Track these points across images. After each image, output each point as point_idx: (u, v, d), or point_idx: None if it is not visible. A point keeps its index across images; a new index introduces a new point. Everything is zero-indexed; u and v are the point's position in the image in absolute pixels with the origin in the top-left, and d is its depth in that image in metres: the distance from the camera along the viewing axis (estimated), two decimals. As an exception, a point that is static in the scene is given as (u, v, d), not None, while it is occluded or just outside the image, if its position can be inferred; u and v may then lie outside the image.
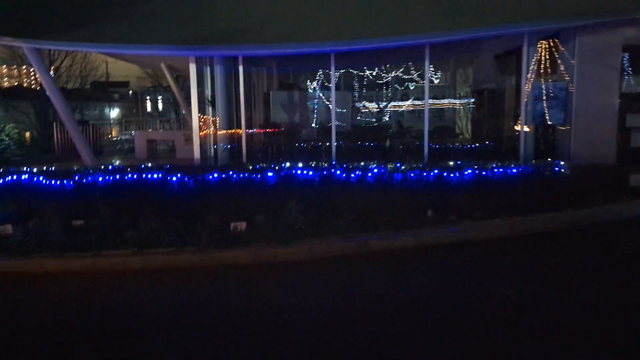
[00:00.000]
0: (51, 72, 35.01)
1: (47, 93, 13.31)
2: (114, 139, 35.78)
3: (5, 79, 46.54)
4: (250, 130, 15.52)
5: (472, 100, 21.31)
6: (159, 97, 41.98)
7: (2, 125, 34.49)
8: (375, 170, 10.13)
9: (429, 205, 9.52)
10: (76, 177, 10.06)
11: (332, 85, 13.40)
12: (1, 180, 10.38)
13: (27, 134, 34.29)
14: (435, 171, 10.14)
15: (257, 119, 17.71)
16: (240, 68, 13.26)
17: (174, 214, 9.21)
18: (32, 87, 37.24)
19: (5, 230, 9.33)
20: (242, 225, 9.03)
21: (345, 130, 18.83)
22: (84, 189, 9.97)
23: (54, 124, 23.66)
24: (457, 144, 16.02)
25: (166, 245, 8.59)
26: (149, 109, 46.13)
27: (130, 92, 51.05)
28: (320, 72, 19.85)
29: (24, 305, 6.87)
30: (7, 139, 33.71)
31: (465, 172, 10.16)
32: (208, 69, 14.87)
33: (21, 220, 9.50)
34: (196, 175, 10.00)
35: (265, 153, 14.41)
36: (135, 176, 10.09)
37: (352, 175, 10.00)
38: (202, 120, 14.62)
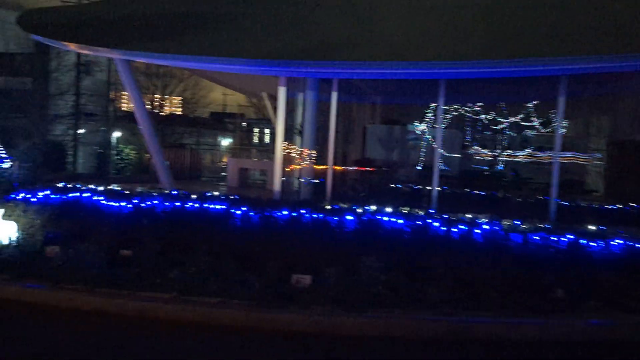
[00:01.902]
0: (165, 97, 36.77)
1: (134, 109, 12.75)
2: (222, 166, 36.29)
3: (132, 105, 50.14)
4: (339, 166, 13.84)
5: (607, 152, 17.98)
6: (265, 130, 42.40)
7: (123, 147, 36.70)
8: (487, 227, 7.83)
9: (559, 282, 7.00)
10: (135, 200, 8.94)
11: (439, 120, 11.34)
12: (61, 196, 9.59)
13: (148, 155, 35.96)
14: (569, 236, 7.61)
15: (348, 154, 16.01)
16: (334, 95, 11.74)
17: (228, 254, 7.64)
18: (154, 111, 39.40)
19: (53, 251, 8.38)
20: (306, 279, 7.20)
21: (449, 174, 16.47)
22: (142, 213, 8.82)
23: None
24: (591, 203, 13.03)
25: (212, 294, 6.99)
26: (255, 139, 46.86)
27: (243, 123, 52.66)
28: (425, 105, 17.77)
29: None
30: (126, 159, 35.67)
31: (613, 242, 7.51)
32: (299, 95, 13.56)
33: (70, 242, 8.52)
34: (263, 210, 8.41)
35: (353, 192, 12.60)
36: (196, 205, 8.75)
37: (455, 229, 7.80)
38: (288, 150, 13.24)
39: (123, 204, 8.99)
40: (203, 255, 7.62)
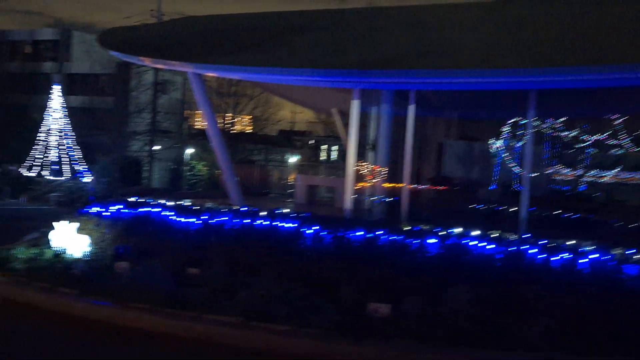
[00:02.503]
0: (237, 116, 37.49)
1: (205, 124, 12.66)
2: (290, 183, 36.35)
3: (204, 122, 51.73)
4: (415, 185, 13.05)
5: None
6: (334, 147, 42.19)
7: (195, 163, 37.75)
8: (593, 255, 6.79)
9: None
10: (204, 217, 8.64)
11: (528, 136, 10.32)
12: (132, 211, 9.49)
13: (218, 171, 36.77)
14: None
15: (424, 172, 15.14)
16: (411, 108, 11.05)
17: (299, 277, 7.10)
18: (225, 129, 40.41)
19: (122, 267, 8.21)
20: (385, 308, 6.49)
21: (536, 195, 15.16)
22: (210, 230, 8.50)
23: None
24: None
25: (280, 320, 6.44)
26: (323, 157, 46.78)
27: (311, 141, 53.03)
28: (503, 120, 16.53)
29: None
30: (197, 175, 36.60)
31: None
32: (372, 109, 12.95)
33: (138, 258, 8.34)
34: (336, 230, 7.81)
35: (430, 213, 11.75)
36: (266, 222, 8.30)
37: (555, 257, 6.81)
38: (360, 167, 12.63)
39: (192, 220, 8.72)
40: (272, 277, 7.13)
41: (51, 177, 25.29)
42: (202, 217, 8.69)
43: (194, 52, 11.08)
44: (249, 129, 50.91)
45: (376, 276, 6.86)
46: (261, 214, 8.81)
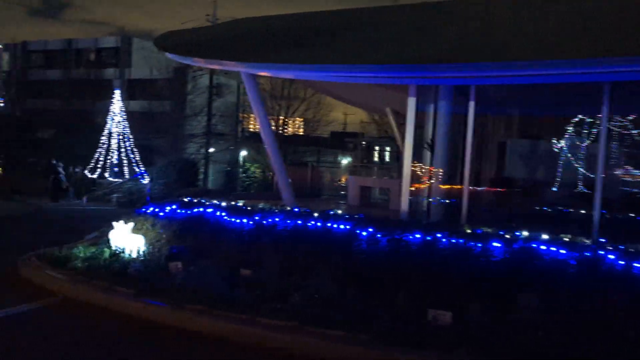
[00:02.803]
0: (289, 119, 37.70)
1: (258, 125, 12.61)
2: (342, 185, 36.15)
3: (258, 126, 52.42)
4: (475, 186, 12.43)
5: None
6: (387, 148, 41.64)
7: (249, 165, 38.26)
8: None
9: None
10: (256, 217, 8.51)
11: (602, 133, 9.55)
12: (186, 211, 9.50)
13: (271, 174, 37.15)
14: None
15: (485, 172, 14.44)
16: (471, 105, 10.49)
17: (354, 280, 6.81)
18: (278, 131, 40.80)
19: (176, 267, 8.21)
20: (446, 316, 6.08)
21: (607, 196, 14.14)
22: (263, 230, 8.35)
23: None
24: None
25: (335, 325, 6.16)
26: (376, 158, 46.31)
27: (363, 142, 52.77)
28: (576, 117, 15.53)
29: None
30: (251, 176, 37.06)
31: None
32: (429, 107, 12.45)
33: (192, 258, 8.31)
34: (392, 232, 7.46)
35: (491, 215, 11.14)
36: (319, 224, 8.06)
37: (637, 263, 6.17)
38: (416, 168, 12.17)
39: (244, 220, 8.61)
40: (326, 280, 6.88)
41: (112, 179, 26.22)
42: (254, 218, 8.56)
43: (247, 52, 11.02)
44: (301, 131, 51.20)
45: (436, 281, 6.47)
46: (314, 215, 8.57)
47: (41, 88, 43.46)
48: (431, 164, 12.40)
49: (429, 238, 7.24)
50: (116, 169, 26.48)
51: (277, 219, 8.29)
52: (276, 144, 12.50)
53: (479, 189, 12.70)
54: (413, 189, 11.60)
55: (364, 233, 7.57)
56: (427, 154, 13.14)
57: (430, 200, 11.84)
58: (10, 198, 22.88)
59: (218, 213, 9.07)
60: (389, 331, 5.84)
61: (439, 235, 7.29)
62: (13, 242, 11.84)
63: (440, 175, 11.65)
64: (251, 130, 47.09)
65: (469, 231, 7.49)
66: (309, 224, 8.06)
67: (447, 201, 11.74)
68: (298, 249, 7.66)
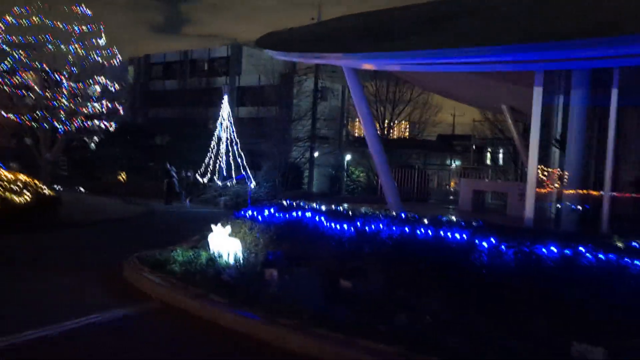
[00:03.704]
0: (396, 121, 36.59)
1: (362, 124, 11.79)
2: (450, 189, 34.40)
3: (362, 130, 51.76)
4: (617, 191, 10.49)
5: None
6: (500, 150, 38.88)
7: (353, 169, 37.78)
8: None
9: None
10: (358, 222, 7.66)
11: None
12: (284, 214, 8.92)
13: (376, 177, 36.36)
14: None
15: (620, 173, 12.25)
16: (614, 93, 8.79)
17: (474, 301, 5.68)
18: (383, 134, 39.83)
19: (271, 275, 7.63)
20: (595, 353, 4.75)
21: None
22: (365, 237, 7.48)
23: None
24: None
25: (451, 355, 5.09)
26: (488, 161, 43.53)
27: (474, 145, 50.18)
28: None
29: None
30: (355, 180, 36.52)
31: None
32: (557, 99, 10.78)
33: (288, 265, 7.68)
34: (520, 243, 6.20)
35: (636, 224, 9.28)
36: (429, 232, 6.99)
37: None
38: (543, 170, 10.57)
39: (345, 226, 7.80)
40: (439, 298, 5.83)
41: (220, 182, 26.97)
42: (356, 223, 7.71)
43: (347, 44, 10.24)
44: (406, 135, 49.70)
45: (580, 307, 5.15)
46: (423, 221, 7.52)
47: (160, 97, 46.64)
48: (560, 165, 10.73)
49: (567, 252, 5.88)
50: (224, 173, 27.23)
51: (381, 225, 7.37)
52: (380, 144, 11.56)
53: (620, 194, 10.74)
54: (538, 193, 10.04)
55: (484, 244, 6.39)
56: (555, 153, 11.45)
57: (559, 206, 10.19)
58: (129, 200, 24.33)
59: (317, 217, 8.36)
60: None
61: (580, 248, 5.91)
62: (125, 243, 12.17)
63: (573, 177, 9.95)
64: (356, 135, 46.61)
65: (619, 244, 6.01)
66: (418, 232, 7.03)
67: (581, 208, 10.02)
68: (405, 260, 6.68)
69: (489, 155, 43.02)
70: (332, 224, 7.97)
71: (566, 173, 9.87)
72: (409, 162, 36.20)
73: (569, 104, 10.23)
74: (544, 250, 5.97)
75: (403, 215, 7.83)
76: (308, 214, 8.58)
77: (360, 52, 9.22)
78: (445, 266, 6.40)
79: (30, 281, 8.30)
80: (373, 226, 7.42)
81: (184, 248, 9.72)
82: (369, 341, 5.51)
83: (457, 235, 6.71)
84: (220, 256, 8.62)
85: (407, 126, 49.43)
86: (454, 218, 7.49)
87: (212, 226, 8.97)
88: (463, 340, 5.20)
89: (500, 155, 40.08)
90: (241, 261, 8.20)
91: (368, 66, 10.30)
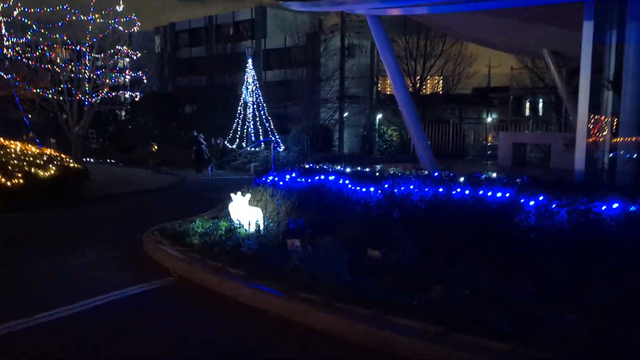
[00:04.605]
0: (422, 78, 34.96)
1: (389, 78, 10.86)
2: (488, 144, 33.01)
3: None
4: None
5: None
6: (540, 99, 36.85)
7: (385, 128, 36.63)
8: None
9: None
10: (386, 185, 6.92)
11: None
12: (306, 179, 8.25)
13: (409, 136, 35.19)
14: None
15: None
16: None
17: (520, 272, 4.93)
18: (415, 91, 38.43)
19: (293, 245, 7.03)
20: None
21: None
22: (394, 201, 6.74)
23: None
24: None
25: (497, 335, 4.40)
26: (527, 112, 41.54)
27: (511, 97, 48.02)
28: None
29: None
30: (388, 140, 35.45)
31: None
32: (612, 35, 9.56)
33: (311, 234, 7.06)
34: (573, 201, 5.35)
35: None
36: (466, 192, 6.20)
37: None
38: (594, 117, 9.50)
39: (372, 189, 7.08)
40: (480, 268, 5.10)
41: (248, 148, 26.50)
42: (383, 186, 6.97)
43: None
44: (439, 90, 47.81)
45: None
46: (459, 180, 6.72)
47: (187, 65, 46.16)
48: (614, 110, 9.62)
49: (633, 209, 5.01)
50: (252, 138, 26.72)
51: (411, 187, 6.61)
52: (409, 98, 10.66)
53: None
54: (588, 142, 9.02)
55: (532, 202, 5.56)
56: (607, 98, 10.30)
57: (613, 155, 9.15)
58: (159, 171, 24.20)
59: (341, 181, 7.66)
60: (584, 349, 3.92)
61: (647, 204, 5.02)
62: (150, 215, 11.87)
63: (628, 122, 8.86)
64: (387, 92, 45.12)
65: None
66: (453, 192, 6.25)
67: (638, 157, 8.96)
68: (439, 224, 5.94)
69: (527, 105, 40.97)
70: (358, 188, 7.26)
71: (622, 117, 8.78)
72: (443, 117, 34.76)
73: (623, 41, 9.02)
74: (603, 208, 5.11)
75: (436, 174, 7.04)
76: (331, 178, 7.89)
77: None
78: (485, 230, 5.64)
79: (49, 259, 8.00)
80: (403, 188, 6.66)
81: (204, 219, 9.25)
82: (400, 318, 4.87)
83: (499, 194, 5.88)
84: (240, 226, 8.09)
85: (440, 81, 47.57)
86: (494, 175, 6.65)
87: (232, 195, 8.41)
88: (508, 316, 4.48)
89: (540, 105, 38.06)
90: (262, 231, 7.64)
91: (393, 11, 9.30)
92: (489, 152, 26.16)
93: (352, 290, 5.40)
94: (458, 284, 5.04)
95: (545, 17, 10.72)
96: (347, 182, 7.49)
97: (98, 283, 6.82)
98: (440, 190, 6.36)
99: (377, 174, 7.60)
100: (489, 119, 46.47)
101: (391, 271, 5.64)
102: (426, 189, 6.46)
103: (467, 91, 47.32)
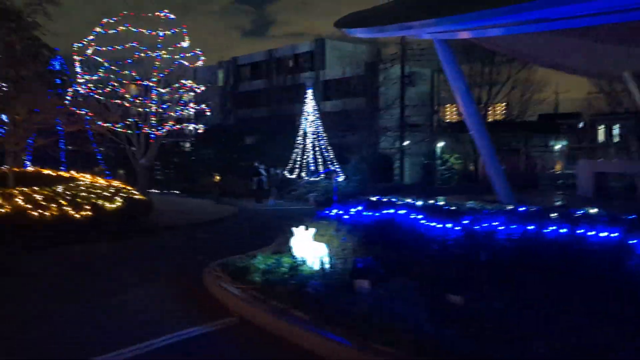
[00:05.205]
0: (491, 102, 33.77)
1: (459, 105, 10.23)
2: (556, 173, 31.30)
3: (454, 115, 48.84)
4: None
5: None
6: (616, 125, 34.62)
7: (448, 156, 35.56)
8: None
9: None
10: (465, 221, 6.24)
11: None
12: (374, 213, 7.68)
13: (472, 165, 33.97)
14: None
15: None
16: None
17: (630, 326, 4.11)
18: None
19: (362, 287, 6.45)
20: None
21: None
22: (475, 239, 6.05)
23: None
24: None
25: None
26: (601, 138, 39.15)
27: (582, 123, 45.60)
28: None
29: None
30: (451, 168, 34.35)
31: None
32: None
33: (381, 275, 6.46)
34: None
35: None
36: (562, 230, 5.42)
37: None
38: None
39: (449, 225, 6.41)
40: (584, 321, 4.31)
41: (308, 178, 26.28)
42: (462, 222, 6.30)
43: (435, 10, 8.75)
44: (503, 117, 46.11)
45: None
46: (549, 216, 5.94)
47: (248, 98, 47.22)
48: None
49: None
50: (312, 168, 26.51)
51: (495, 223, 5.90)
52: (483, 125, 9.96)
53: None
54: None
55: (646, 245, 4.74)
56: None
57: None
58: (221, 201, 24.36)
59: (413, 215, 7.04)
60: None
61: None
62: (210, 247, 11.69)
63: None
64: (448, 120, 44.01)
65: None
66: (546, 231, 5.48)
67: None
68: (531, 267, 5.19)
69: (601, 132, 38.59)
70: (433, 223, 6.61)
71: None
72: (510, 145, 33.28)
73: None
74: None
75: (522, 209, 6.29)
76: (402, 212, 7.28)
77: (451, 16, 7.71)
78: (588, 276, 4.83)
79: (106, 294, 7.83)
80: (485, 225, 5.96)
81: (266, 253, 8.84)
82: (492, 381, 4.16)
83: (603, 234, 5.08)
84: (303, 263, 7.60)
85: (504, 109, 45.88)
86: (591, 210, 5.83)
87: (294, 229, 7.97)
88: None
89: (616, 132, 35.74)
90: (327, 269, 7.11)
91: (464, 34, 8.73)
92: (560, 181, 24.65)
93: (435, 343, 4.73)
94: (560, 339, 4.27)
95: (627, 37, 9.82)
96: (419, 216, 6.86)
97: (156, 323, 6.51)
98: (530, 228, 5.61)
99: (453, 207, 6.92)
100: (558, 147, 44.22)
101: (477, 321, 4.93)
102: (513, 226, 5.73)
103: (532, 118, 45.42)
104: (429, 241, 6.45)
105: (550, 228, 5.49)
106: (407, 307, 5.43)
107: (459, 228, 6.28)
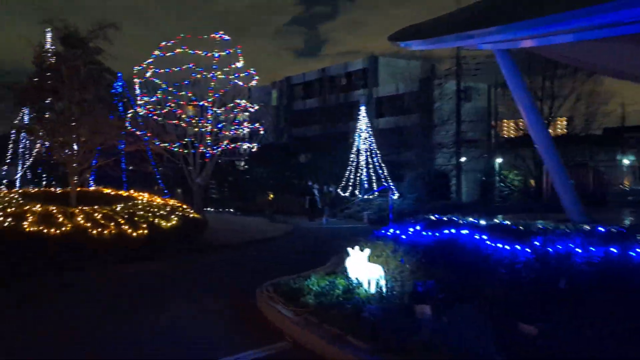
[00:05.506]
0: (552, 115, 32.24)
1: (523, 116, 9.63)
2: (626, 189, 29.46)
3: (512, 130, 47.11)
4: None
5: None
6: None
7: (507, 172, 34.20)
8: None
9: None
10: (536, 242, 5.71)
11: None
12: (433, 232, 7.23)
13: (532, 181, 32.49)
14: None
15: None
16: None
17: None
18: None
19: (423, 312, 6.01)
20: None
21: None
22: (549, 263, 5.49)
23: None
24: None
25: None
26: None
27: (649, 136, 42.76)
28: None
29: None
30: (510, 185, 32.99)
31: None
32: None
33: (444, 300, 5.99)
34: None
35: None
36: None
37: None
38: None
39: (517, 247, 5.89)
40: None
41: (361, 196, 25.91)
42: (533, 243, 5.76)
43: (495, 19, 8.27)
44: (564, 131, 43.95)
45: None
46: (636, 237, 5.31)
47: (302, 116, 47.55)
48: None
49: None
50: (365, 186, 26.14)
51: (571, 245, 5.34)
52: (549, 138, 9.32)
53: None
54: None
55: None
56: None
57: None
58: (274, 219, 24.39)
59: (476, 236, 6.55)
60: None
61: None
62: (263, 266, 11.54)
63: None
64: (506, 135, 42.42)
65: None
66: (633, 254, 4.89)
67: None
68: (616, 295, 4.61)
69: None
70: (499, 245, 6.10)
71: None
72: (575, 160, 31.57)
73: None
74: None
75: (601, 229, 5.68)
76: (464, 232, 6.80)
77: (514, 22, 7.23)
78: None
79: (157, 313, 7.75)
80: (560, 247, 5.41)
81: (320, 274, 8.55)
82: None
83: None
84: (359, 285, 7.24)
85: (565, 123, 43.75)
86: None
87: (349, 249, 7.64)
88: None
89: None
90: (384, 292, 6.71)
91: (527, 42, 8.20)
92: (630, 197, 23.10)
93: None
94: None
95: None
96: (484, 237, 6.37)
97: (207, 346, 6.35)
98: (613, 250, 5.02)
99: (521, 227, 6.38)
100: (625, 161, 41.61)
101: (555, 354, 4.40)
102: (592, 249, 5.15)
103: (597, 132, 43.08)
104: (496, 264, 5.94)
105: (637, 250, 4.88)
106: (474, 336, 4.96)
107: (529, 250, 5.74)
